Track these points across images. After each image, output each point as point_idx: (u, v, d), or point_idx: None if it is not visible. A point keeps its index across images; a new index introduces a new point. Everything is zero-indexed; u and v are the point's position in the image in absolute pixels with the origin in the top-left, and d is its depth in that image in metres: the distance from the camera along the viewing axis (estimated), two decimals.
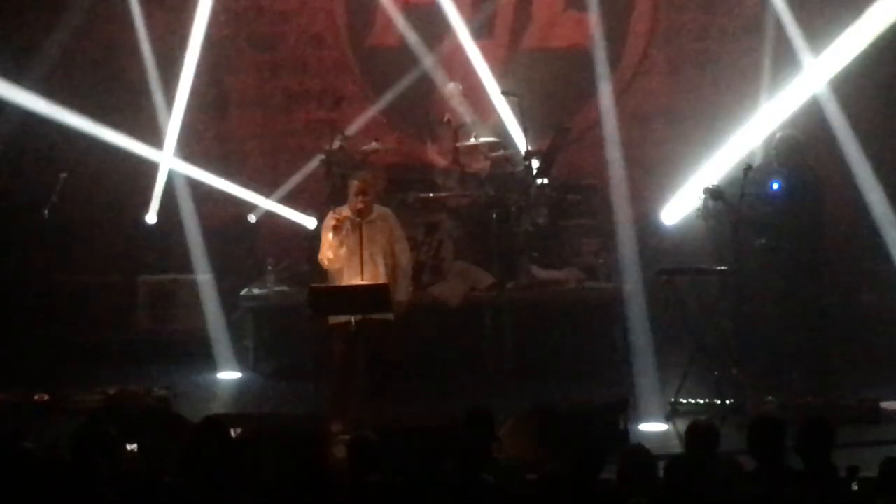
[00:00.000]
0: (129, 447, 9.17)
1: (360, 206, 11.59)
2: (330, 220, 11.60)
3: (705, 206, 13.06)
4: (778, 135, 13.18)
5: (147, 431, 9.58)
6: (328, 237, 11.56)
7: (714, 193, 12.68)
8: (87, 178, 14.57)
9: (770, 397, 12.19)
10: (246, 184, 15.59)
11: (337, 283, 11.72)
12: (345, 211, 11.66)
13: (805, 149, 13.03)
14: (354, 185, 11.86)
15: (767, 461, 8.20)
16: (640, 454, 8.21)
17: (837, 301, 14.29)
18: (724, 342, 12.67)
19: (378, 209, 11.89)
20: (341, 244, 11.53)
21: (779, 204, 12.80)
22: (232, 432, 9.60)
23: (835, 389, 12.51)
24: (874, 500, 7.71)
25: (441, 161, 14.85)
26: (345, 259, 11.57)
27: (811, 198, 12.84)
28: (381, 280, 11.55)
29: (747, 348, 12.58)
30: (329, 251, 11.57)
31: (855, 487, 8.08)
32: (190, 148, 15.66)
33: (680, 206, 14.17)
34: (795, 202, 12.73)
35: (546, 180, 14.56)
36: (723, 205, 12.49)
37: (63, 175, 13.99)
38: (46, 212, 13.83)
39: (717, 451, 8.60)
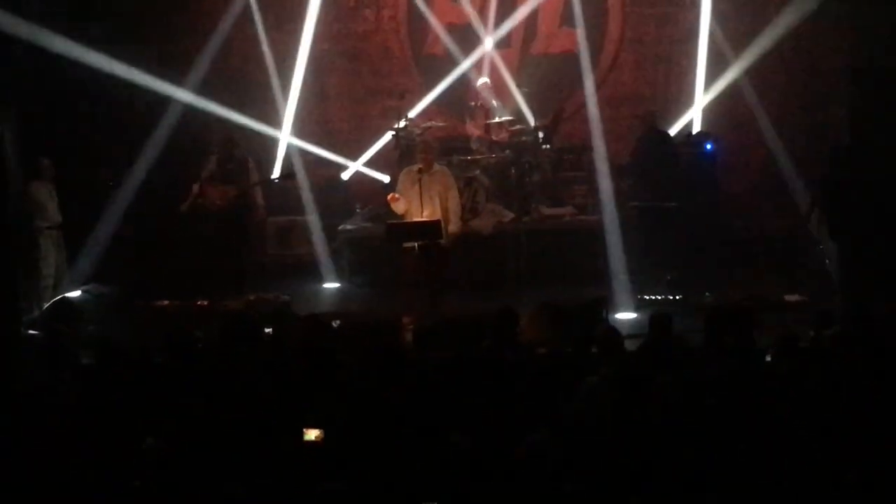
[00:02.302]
0: (266, 330, 9.20)
1: (421, 165, 11.61)
2: (400, 186, 11.71)
3: None
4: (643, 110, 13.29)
5: (275, 325, 9.57)
6: (391, 198, 11.66)
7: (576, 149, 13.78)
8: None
9: (707, 294, 12.13)
10: (340, 152, 15.56)
11: (405, 221, 11.73)
12: (414, 168, 11.68)
13: (657, 120, 13.30)
14: (419, 149, 11.92)
15: (714, 338, 8.12)
16: (612, 335, 8.16)
17: (752, 224, 14.21)
18: (674, 256, 12.64)
19: (437, 167, 11.90)
20: (401, 199, 11.58)
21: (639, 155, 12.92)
22: (333, 324, 9.62)
23: (752, 287, 12.44)
24: (779, 366, 7.64)
25: (476, 133, 14.78)
26: (411, 202, 11.56)
27: (664, 150, 12.73)
28: (436, 217, 11.53)
29: (690, 260, 12.54)
30: (394, 207, 11.66)
31: (768, 358, 8.00)
32: (301, 128, 15.61)
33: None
34: (649, 154, 12.69)
35: (549, 145, 14.54)
36: None
37: (237, 152, 13.95)
38: (224, 176, 13.82)
39: (671, 331, 8.56)
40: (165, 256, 14.01)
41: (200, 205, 13.74)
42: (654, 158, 12.74)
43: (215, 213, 13.55)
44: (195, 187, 13.57)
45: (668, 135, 13.26)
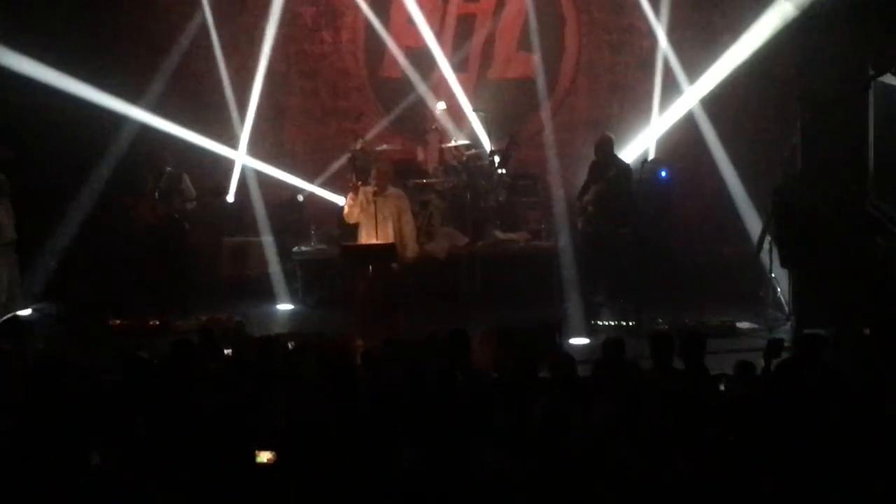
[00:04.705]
0: (226, 351, 9.17)
1: (375, 187, 11.61)
2: (359, 197, 11.71)
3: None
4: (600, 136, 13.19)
5: (228, 346, 9.50)
6: (348, 199, 11.77)
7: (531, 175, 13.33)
8: (185, 170, 14.34)
9: (659, 319, 12.16)
10: (296, 173, 15.51)
11: (359, 243, 11.71)
12: (369, 189, 11.68)
13: (610, 144, 13.03)
14: (372, 173, 11.91)
15: (663, 363, 8.16)
16: (566, 360, 8.16)
17: (704, 252, 14.28)
18: (627, 282, 12.65)
19: (392, 189, 11.96)
20: (354, 203, 11.68)
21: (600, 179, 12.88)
22: (289, 345, 9.56)
23: (704, 314, 12.47)
24: (733, 392, 7.67)
25: (428, 159, 14.81)
26: (364, 224, 11.58)
27: (623, 178, 12.80)
28: (390, 240, 11.54)
29: (644, 286, 12.54)
30: (346, 207, 11.81)
31: (722, 388, 8.02)
32: (256, 148, 15.55)
33: None
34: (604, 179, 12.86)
35: (504, 170, 14.58)
36: None
37: (168, 169, 13.86)
38: (157, 194, 13.73)
39: (624, 357, 8.56)
40: (114, 274, 13.93)
41: (133, 218, 13.75)
42: (612, 186, 12.78)
43: (146, 229, 13.63)
44: (127, 199, 13.69)
45: (627, 166, 13.30)
